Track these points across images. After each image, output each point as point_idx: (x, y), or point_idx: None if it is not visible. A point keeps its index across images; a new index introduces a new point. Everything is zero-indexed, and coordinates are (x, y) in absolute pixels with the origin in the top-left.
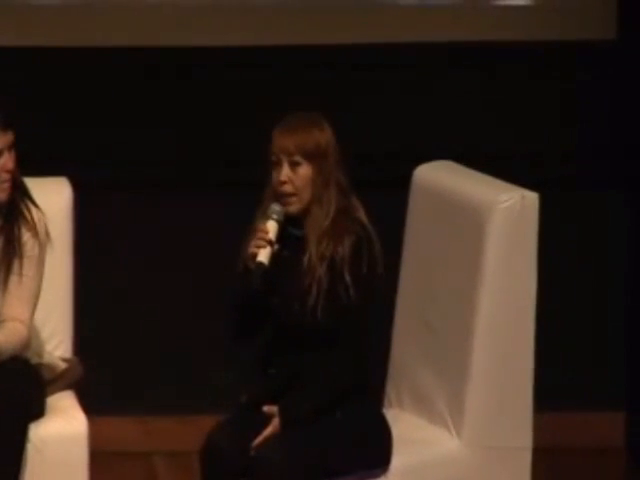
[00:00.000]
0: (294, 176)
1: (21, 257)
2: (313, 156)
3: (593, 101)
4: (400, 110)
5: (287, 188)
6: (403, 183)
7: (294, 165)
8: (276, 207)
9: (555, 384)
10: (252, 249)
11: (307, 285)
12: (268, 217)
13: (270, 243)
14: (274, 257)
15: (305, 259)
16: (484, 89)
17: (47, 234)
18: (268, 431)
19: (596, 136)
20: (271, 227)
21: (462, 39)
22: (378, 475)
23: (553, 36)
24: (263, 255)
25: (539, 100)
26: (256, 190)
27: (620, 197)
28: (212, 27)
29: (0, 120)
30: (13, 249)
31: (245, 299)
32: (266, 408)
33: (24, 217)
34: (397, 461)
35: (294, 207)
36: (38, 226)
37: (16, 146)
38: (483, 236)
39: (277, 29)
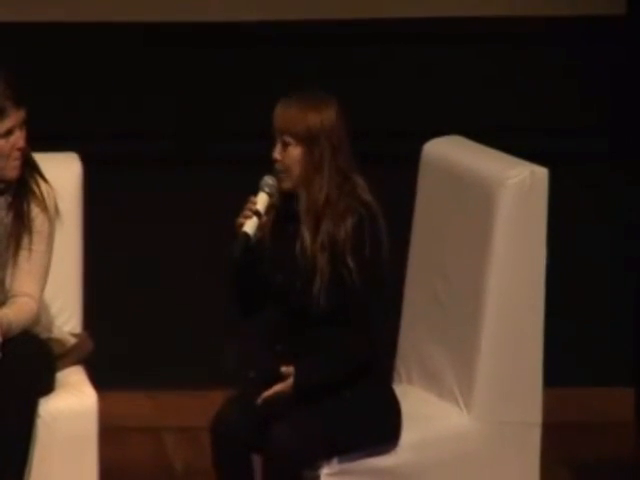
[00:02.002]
0: (284, 154)
1: (30, 232)
2: (302, 139)
3: (602, 76)
4: (409, 85)
5: (278, 165)
6: (413, 158)
7: (285, 144)
8: (269, 180)
9: (565, 359)
10: (239, 219)
11: (307, 268)
12: (260, 189)
13: (257, 214)
14: (259, 228)
15: (298, 243)
16: (493, 64)
17: (56, 209)
18: (279, 387)
19: (606, 111)
20: (260, 199)
21: (473, 14)
22: (388, 450)
23: (563, 11)
24: (249, 226)
25: (548, 75)
26: (257, 164)
27: (628, 171)
28: (216, 1)
29: (13, 97)
30: (23, 224)
31: (230, 269)
32: (284, 369)
33: (33, 192)
34: (406, 436)
35: (285, 184)
36: (47, 201)
37: (27, 123)
38: (493, 211)
39: (282, 3)
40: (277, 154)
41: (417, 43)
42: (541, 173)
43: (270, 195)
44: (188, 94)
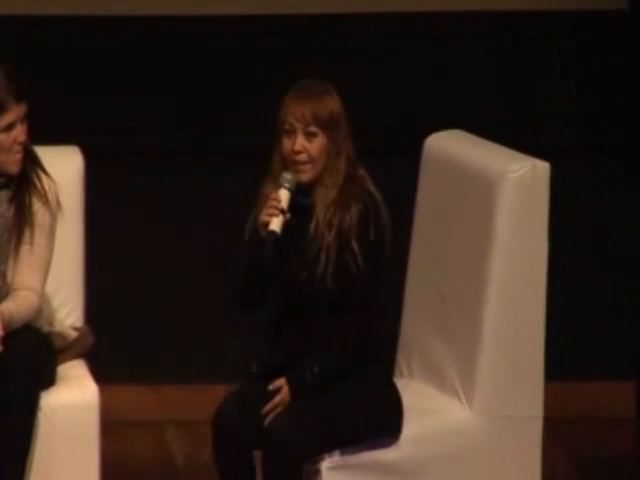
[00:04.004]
0: (309, 145)
1: (32, 226)
2: (328, 126)
3: (604, 71)
4: (411, 79)
5: (302, 157)
6: (414, 152)
7: (309, 135)
8: (288, 175)
9: (566, 354)
10: (264, 217)
11: (315, 253)
12: (280, 185)
13: (282, 212)
14: (285, 225)
15: (312, 227)
16: (496, 58)
17: (58, 203)
18: (277, 399)
19: (608, 105)
20: (283, 196)
21: (473, 8)
22: (389, 444)
23: (564, 6)
24: (275, 224)
25: (550, 69)
26: (258, 159)
27: (629, 166)
28: None
29: (14, 92)
30: (24, 218)
31: (254, 268)
32: (271, 386)
33: (35, 186)
34: (408, 430)
35: (306, 175)
36: (49, 195)
37: (28, 116)
38: (494, 205)
39: None
40: (299, 146)
41: (418, 38)
42: (542, 167)
43: (291, 191)
44: (189, 88)
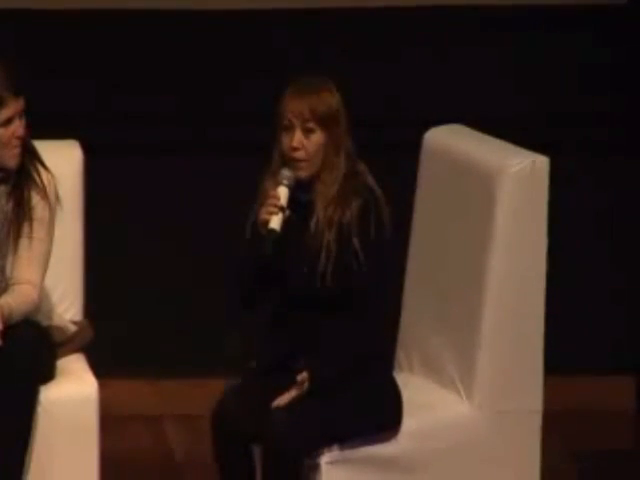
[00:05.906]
0: (307, 142)
1: (31, 220)
2: (326, 122)
3: (603, 65)
4: (411, 74)
5: (299, 154)
6: (413, 147)
7: (307, 131)
8: (287, 172)
9: (566, 348)
10: (264, 215)
11: (316, 250)
12: (279, 183)
13: (282, 209)
14: (284, 223)
15: (312, 224)
16: (496, 53)
17: (57, 196)
18: (295, 393)
19: (607, 100)
20: (282, 193)
21: (474, 3)
22: (388, 439)
23: (564, 1)
24: (275, 222)
25: (550, 64)
26: (258, 150)
27: (629, 160)
28: None
29: (12, 86)
30: (23, 212)
31: (255, 266)
32: (300, 377)
33: (33, 180)
34: (407, 425)
35: (304, 172)
36: (48, 189)
37: (27, 110)
38: (493, 200)
39: None
40: (297, 143)
41: (418, 31)
42: (542, 162)
43: (289, 188)
44: (189, 82)
